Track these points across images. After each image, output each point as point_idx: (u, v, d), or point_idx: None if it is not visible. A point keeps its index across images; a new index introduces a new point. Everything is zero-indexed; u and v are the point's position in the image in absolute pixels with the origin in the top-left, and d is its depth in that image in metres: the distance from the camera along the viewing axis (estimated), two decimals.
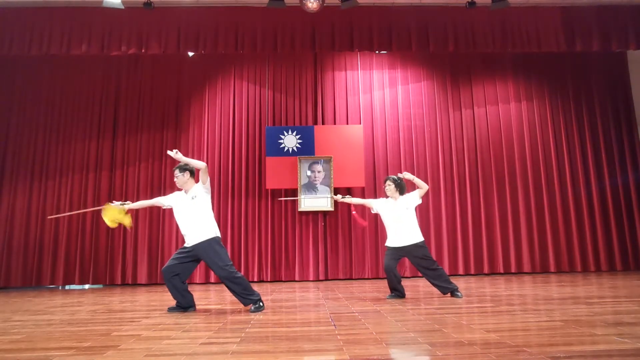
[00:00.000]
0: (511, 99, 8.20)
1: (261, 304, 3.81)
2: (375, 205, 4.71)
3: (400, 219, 4.49)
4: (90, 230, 7.46)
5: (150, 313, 3.91)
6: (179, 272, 3.84)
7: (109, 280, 7.33)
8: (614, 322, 2.84)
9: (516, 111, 8.15)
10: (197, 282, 7.27)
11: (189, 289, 4.03)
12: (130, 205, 4.14)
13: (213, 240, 3.80)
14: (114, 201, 4.20)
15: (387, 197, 4.68)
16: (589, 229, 7.70)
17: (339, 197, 4.87)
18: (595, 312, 3.29)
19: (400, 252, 4.51)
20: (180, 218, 3.89)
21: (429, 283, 4.66)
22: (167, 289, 4.18)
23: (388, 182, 4.64)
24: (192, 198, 3.84)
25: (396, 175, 4.69)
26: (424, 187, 4.51)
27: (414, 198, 4.54)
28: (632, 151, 8.01)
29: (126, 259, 7.40)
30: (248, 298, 3.79)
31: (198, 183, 3.89)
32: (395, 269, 4.47)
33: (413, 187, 4.60)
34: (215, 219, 4.07)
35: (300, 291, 5.69)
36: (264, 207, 7.63)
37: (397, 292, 4.54)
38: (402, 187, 4.60)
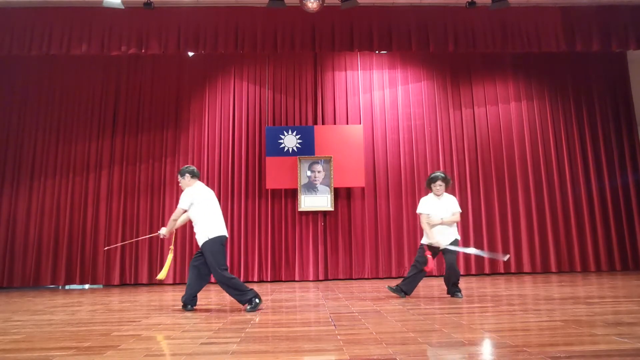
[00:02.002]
0: (511, 99, 8.19)
1: (257, 300, 3.82)
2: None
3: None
4: (90, 230, 7.45)
5: (150, 313, 3.91)
6: (201, 269, 3.97)
7: (109, 280, 7.33)
8: (614, 322, 2.84)
9: (516, 111, 8.15)
10: None
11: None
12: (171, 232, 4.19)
13: (211, 240, 3.90)
14: (161, 230, 4.21)
15: (436, 195, 4.52)
16: (589, 229, 7.69)
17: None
18: (595, 312, 3.29)
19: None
20: None
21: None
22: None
23: (440, 182, 4.49)
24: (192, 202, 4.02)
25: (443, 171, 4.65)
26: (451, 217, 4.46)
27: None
28: (632, 151, 8.00)
29: (126, 258, 7.40)
30: (240, 298, 3.84)
31: (198, 183, 4.09)
32: None
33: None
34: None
35: (300, 291, 5.69)
36: (264, 207, 7.63)
37: (456, 288, 4.45)
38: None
